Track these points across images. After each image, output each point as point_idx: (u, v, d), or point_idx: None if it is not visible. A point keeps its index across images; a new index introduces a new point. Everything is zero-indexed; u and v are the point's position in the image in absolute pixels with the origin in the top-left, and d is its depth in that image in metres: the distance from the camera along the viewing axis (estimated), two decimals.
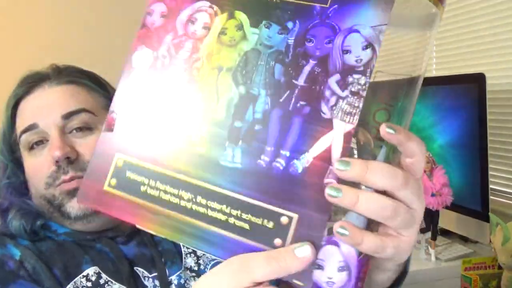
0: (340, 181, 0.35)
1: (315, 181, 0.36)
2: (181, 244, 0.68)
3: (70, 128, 0.62)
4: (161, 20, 0.45)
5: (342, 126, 0.37)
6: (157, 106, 0.43)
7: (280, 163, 0.38)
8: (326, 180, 0.36)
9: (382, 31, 0.37)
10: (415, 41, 0.41)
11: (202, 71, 0.42)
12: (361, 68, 0.37)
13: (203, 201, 0.39)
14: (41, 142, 0.62)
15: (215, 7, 0.43)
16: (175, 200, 0.40)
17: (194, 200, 0.39)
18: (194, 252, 0.70)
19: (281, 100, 0.39)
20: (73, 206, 0.61)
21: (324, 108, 0.38)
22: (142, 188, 0.41)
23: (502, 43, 1.12)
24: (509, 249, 0.93)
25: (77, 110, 0.63)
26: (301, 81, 0.39)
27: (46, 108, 0.62)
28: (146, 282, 0.64)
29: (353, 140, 0.37)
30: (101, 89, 0.68)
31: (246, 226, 0.37)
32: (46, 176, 0.61)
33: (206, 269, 0.68)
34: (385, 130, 0.36)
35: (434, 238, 1.23)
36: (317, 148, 0.37)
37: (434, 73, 1.56)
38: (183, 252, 0.70)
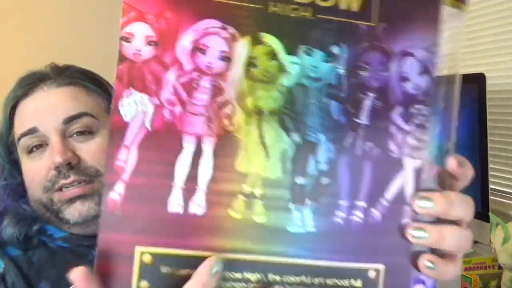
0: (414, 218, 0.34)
1: (395, 226, 0.35)
2: None
3: (71, 132, 0.59)
4: (150, 50, 0.32)
5: (411, 163, 0.35)
6: (181, 172, 0.32)
7: (358, 216, 0.34)
8: (404, 222, 0.35)
9: (436, 52, 0.35)
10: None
11: (236, 119, 0.33)
12: (422, 97, 0.35)
13: (277, 278, 0.33)
14: (41, 145, 0.59)
15: (231, 29, 0.32)
16: (241, 286, 0.33)
17: (265, 279, 0.33)
18: None
19: (345, 144, 0.34)
20: (72, 214, 0.58)
21: (392, 146, 0.35)
22: None
23: (502, 43, 1.12)
24: (509, 249, 0.91)
25: (79, 114, 0.60)
26: (364, 119, 0.34)
27: (47, 111, 0.59)
28: None
29: None
30: (102, 91, 0.64)
31: None
32: (45, 180, 0.58)
33: None
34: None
35: None
36: (392, 191, 0.35)
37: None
38: None
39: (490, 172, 0.99)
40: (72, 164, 0.57)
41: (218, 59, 0.32)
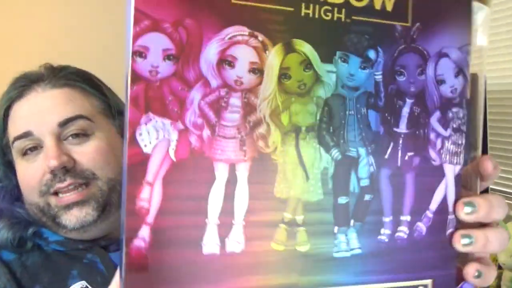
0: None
1: (440, 237, 0.33)
2: None
3: (66, 135, 0.58)
4: (169, 65, 0.27)
5: (452, 170, 0.33)
6: (215, 206, 0.28)
7: (403, 231, 0.32)
8: (448, 232, 0.33)
9: (469, 52, 0.33)
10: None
11: (272, 139, 0.29)
12: (458, 100, 0.33)
13: None
14: (35, 148, 0.58)
15: (261, 36, 0.28)
16: None
17: None
18: None
19: (386, 156, 0.31)
20: (69, 219, 0.57)
21: (433, 154, 0.32)
22: None
23: (502, 43, 1.09)
24: (509, 249, 0.91)
25: (74, 117, 0.58)
26: (403, 128, 0.31)
27: (41, 114, 0.58)
28: None
29: None
30: (98, 92, 0.63)
31: None
32: (41, 184, 0.57)
33: None
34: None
35: None
36: (435, 201, 0.33)
37: None
38: None
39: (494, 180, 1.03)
40: (68, 168, 0.56)
41: (248, 72, 0.28)
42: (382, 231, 0.31)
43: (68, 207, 0.57)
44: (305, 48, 0.29)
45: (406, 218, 0.32)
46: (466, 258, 0.34)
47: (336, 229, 0.30)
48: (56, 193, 0.57)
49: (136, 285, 0.26)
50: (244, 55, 0.27)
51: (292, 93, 0.29)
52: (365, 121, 0.30)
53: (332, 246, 0.30)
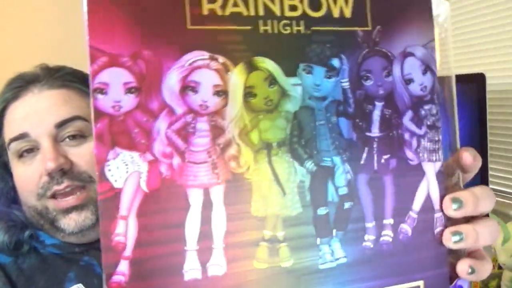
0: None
1: (428, 237, 0.32)
2: None
3: (63, 136, 0.57)
4: (131, 98, 0.27)
5: (432, 167, 0.33)
6: (192, 232, 0.28)
7: (388, 235, 0.32)
8: (436, 231, 0.33)
9: (433, 48, 0.33)
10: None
11: (243, 158, 0.29)
12: (429, 97, 0.33)
13: None
14: (32, 150, 0.57)
15: (221, 58, 0.28)
16: None
17: None
18: None
19: (362, 162, 0.31)
20: (68, 223, 0.57)
21: (410, 154, 0.32)
22: None
23: (502, 43, 1.09)
24: (509, 249, 0.91)
25: (71, 118, 0.57)
26: (376, 132, 0.31)
27: (37, 115, 0.57)
28: None
29: None
30: None
31: None
32: (38, 186, 0.56)
33: None
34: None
35: None
36: (418, 201, 0.32)
37: None
38: None
39: (490, 172, 0.97)
40: (65, 170, 0.56)
41: (212, 95, 0.28)
42: (366, 237, 0.31)
43: (67, 211, 0.56)
44: (267, 64, 0.29)
45: (389, 221, 0.31)
46: (458, 254, 0.34)
47: (318, 240, 0.30)
48: (54, 196, 0.56)
49: None
50: (207, 79, 0.28)
51: (259, 110, 0.29)
52: (336, 129, 0.30)
53: (317, 258, 0.30)
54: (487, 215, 0.35)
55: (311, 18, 0.30)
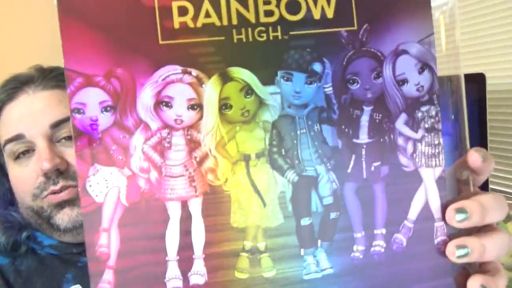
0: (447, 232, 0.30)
1: (427, 247, 0.30)
2: None
3: (59, 137, 0.57)
4: (108, 116, 0.28)
5: (431, 173, 0.30)
6: (172, 243, 0.28)
7: (379, 245, 0.30)
8: (437, 241, 0.31)
9: (432, 43, 0.30)
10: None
11: (221, 170, 0.29)
12: (426, 97, 0.30)
13: None
14: (27, 151, 0.57)
15: (194, 71, 0.28)
16: None
17: None
18: None
19: (349, 170, 0.30)
20: (62, 218, 0.57)
21: (404, 160, 0.30)
22: None
23: (502, 43, 1.09)
24: (509, 249, 0.93)
25: (66, 118, 0.57)
26: (364, 138, 0.30)
27: (33, 116, 0.57)
28: None
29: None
30: None
31: None
32: (33, 187, 0.57)
33: None
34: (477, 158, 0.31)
35: None
36: (415, 210, 0.30)
37: None
38: None
39: (490, 172, 0.97)
40: (61, 170, 0.56)
41: (187, 109, 0.28)
42: (355, 247, 0.30)
43: (60, 206, 0.56)
44: (243, 74, 0.28)
45: (380, 231, 0.30)
46: (470, 264, 0.32)
47: (302, 251, 0.29)
48: (48, 196, 0.56)
49: None
50: (180, 93, 0.28)
51: (235, 122, 0.28)
52: (319, 137, 0.29)
53: (301, 269, 0.29)
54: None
55: (289, 22, 0.28)
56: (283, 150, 0.29)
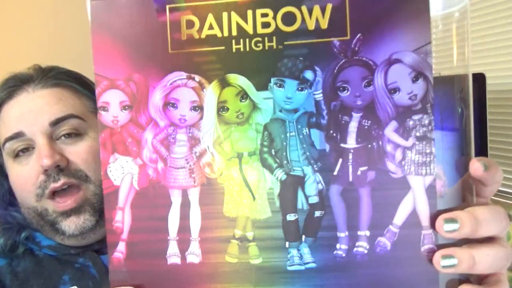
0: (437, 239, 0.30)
1: (412, 253, 0.31)
2: None
3: (58, 134, 0.57)
4: (126, 114, 0.33)
5: (420, 181, 0.31)
6: (173, 225, 0.33)
7: (362, 246, 0.31)
8: (424, 248, 0.31)
9: (429, 52, 0.30)
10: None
11: (216, 165, 0.32)
12: (419, 106, 0.30)
13: None
14: (27, 149, 0.57)
15: (197, 77, 0.32)
16: None
17: None
18: None
19: (335, 173, 0.31)
20: (69, 226, 0.56)
21: (392, 166, 0.31)
22: None
23: (502, 43, 1.08)
24: None
25: (66, 116, 0.57)
26: (352, 143, 0.31)
27: (32, 114, 0.56)
28: None
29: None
30: (88, 92, 0.61)
31: None
32: (35, 186, 0.56)
33: None
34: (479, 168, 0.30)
35: None
36: (401, 216, 0.31)
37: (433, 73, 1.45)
38: None
39: (499, 183, 0.92)
40: (61, 167, 0.55)
41: (190, 110, 0.32)
42: (338, 246, 0.32)
43: (66, 213, 0.56)
44: (239, 81, 0.32)
45: (364, 233, 0.31)
46: (472, 275, 0.32)
47: (287, 244, 0.32)
48: (52, 195, 0.56)
49: (118, 285, 0.33)
50: (185, 96, 0.32)
51: (231, 123, 0.32)
52: (308, 140, 0.31)
53: (285, 260, 0.32)
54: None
55: (284, 33, 0.31)
56: (273, 151, 0.32)
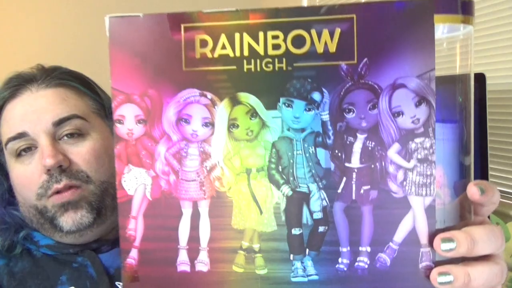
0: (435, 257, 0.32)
1: (410, 270, 0.32)
2: None
3: (61, 135, 0.57)
4: (140, 127, 0.34)
5: (420, 202, 0.32)
6: (183, 235, 0.35)
7: (363, 261, 0.33)
8: (422, 265, 0.32)
9: (432, 78, 0.31)
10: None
11: (226, 179, 0.34)
12: (422, 129, 0.32)
13: None
14: (29, 149, 0.57)
15: (209, 95, 0.33)
16: None
17: None
18: None
19: (339, 191, 0.33)
20: (66, 221, 0.56)
21: (393, 186, 0.32)
22: None
23: (502, 43, 1.08)
24: (509, 249, 0.89)
25: (69, 116, 0.57)
26: (356, 163, 0.32)
27: (35, 114, 0.56)
28: None
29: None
30: (91, 92, 0.61)
31: None
32: (37, 186, 0.56)
33: None
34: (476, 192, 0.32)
35: None
36: (401, 233, 0.33)
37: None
38: None
39: (490, 172, 0.96)
40: (64, 167, 0.55)
41: (202, 126, 0.34)
42: (340, 260, 0.33)
43: (64, 207, 0.55)
44: (250, 100, 0.33)
45: (365, 248, 0.33)
46: None
47: (292, 256, 0.34)
48: (53, 196, 0.56)
49: None
50: (197, 113, 0.34)
51: (241, 139, 0.33)
52: (314, 159, 0.33)
53: (289, 272, 0.34)
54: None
55: (293, 55, 0.32)
56: (280, 167, 0.33)
